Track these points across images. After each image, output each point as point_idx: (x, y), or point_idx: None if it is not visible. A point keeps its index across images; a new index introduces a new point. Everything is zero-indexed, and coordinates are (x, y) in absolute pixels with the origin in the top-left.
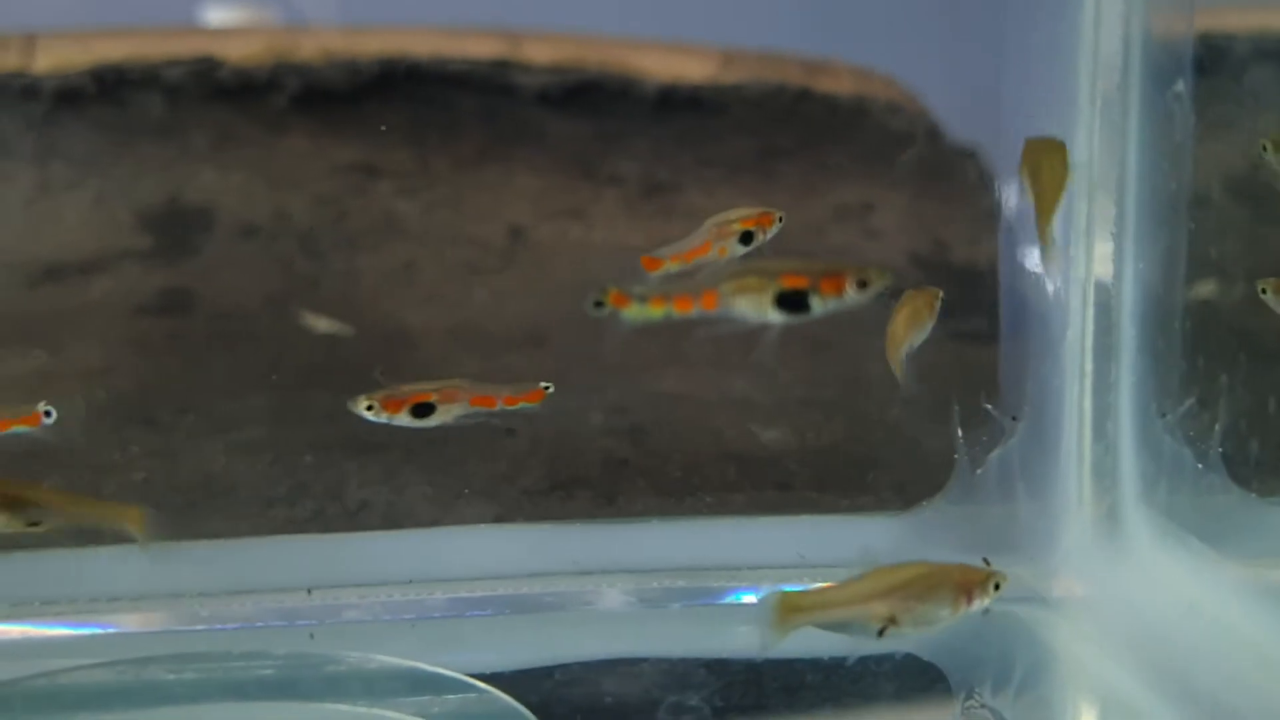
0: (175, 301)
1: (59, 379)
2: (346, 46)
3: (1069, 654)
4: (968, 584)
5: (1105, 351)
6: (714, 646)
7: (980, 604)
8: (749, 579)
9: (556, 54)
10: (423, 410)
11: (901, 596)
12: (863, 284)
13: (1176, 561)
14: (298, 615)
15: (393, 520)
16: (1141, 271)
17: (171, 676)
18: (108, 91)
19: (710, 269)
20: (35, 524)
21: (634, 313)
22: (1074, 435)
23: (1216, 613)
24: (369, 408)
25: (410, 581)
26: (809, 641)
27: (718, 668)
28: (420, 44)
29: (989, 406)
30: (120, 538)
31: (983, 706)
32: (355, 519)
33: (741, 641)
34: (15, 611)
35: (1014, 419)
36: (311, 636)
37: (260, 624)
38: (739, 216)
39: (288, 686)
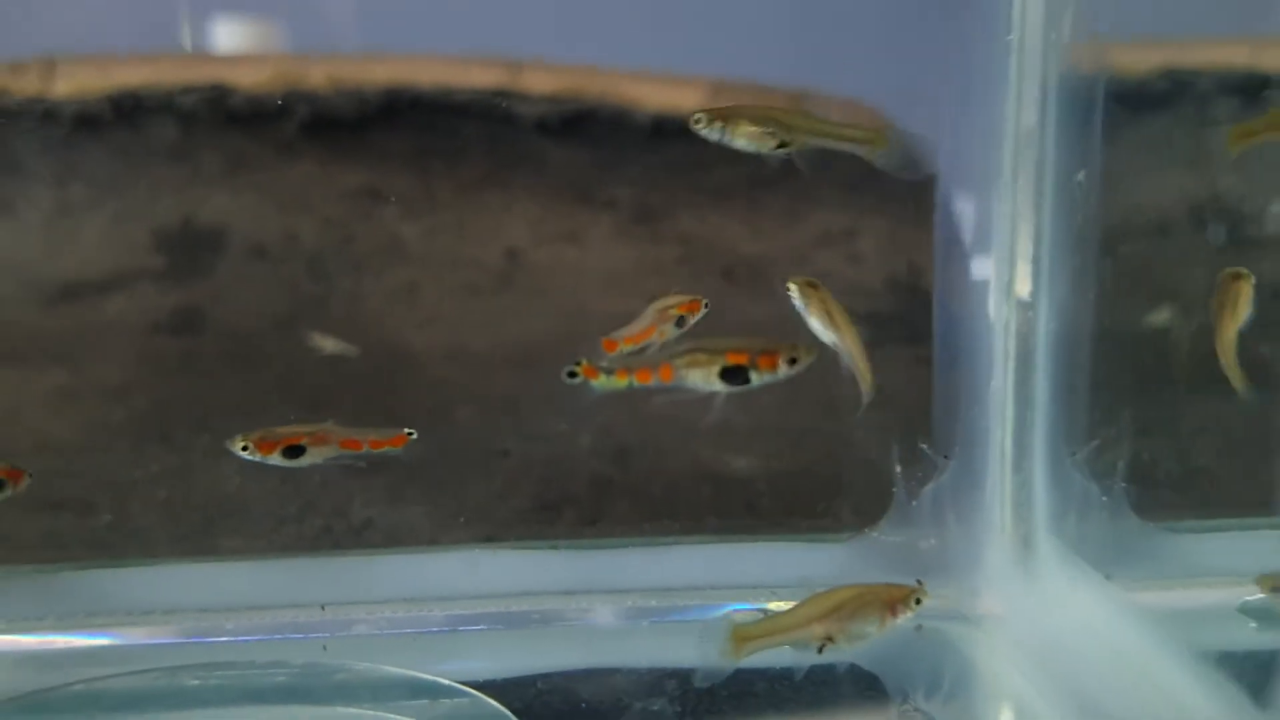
0: (188, 321)
1: (80, 397)
2: (354, 75)
3: (988, 666)
4: (892, 601)
5: (1024, 398)
6: (679, 659)
7: (904, 617)
8: (714, 598)
9: (555, 84)
10: (294, 452)
11: (836, 618)
12: (792, 361)
13: (1076, 586)
14: (312, 629)
15: (394, 537)
16: (1055, 323)
17: (199, 683)
18: (125, 116)
19: (665, 346)
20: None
21: (602, 383)
22: (997, 472)
23: (1105, 631)
24: (244, 448)
25: (411, 599)
26: (760, 655)
27: (681, 677)
28: (425, 73)
29: (924, 446)
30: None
31: (916, 710)
32: (360, 536)
33: (698, 656)
34: (60, 624)
35: (946, 457)
36: (324, 648)
37: (279, 636)
38: (675, 303)
39: (303, 693)
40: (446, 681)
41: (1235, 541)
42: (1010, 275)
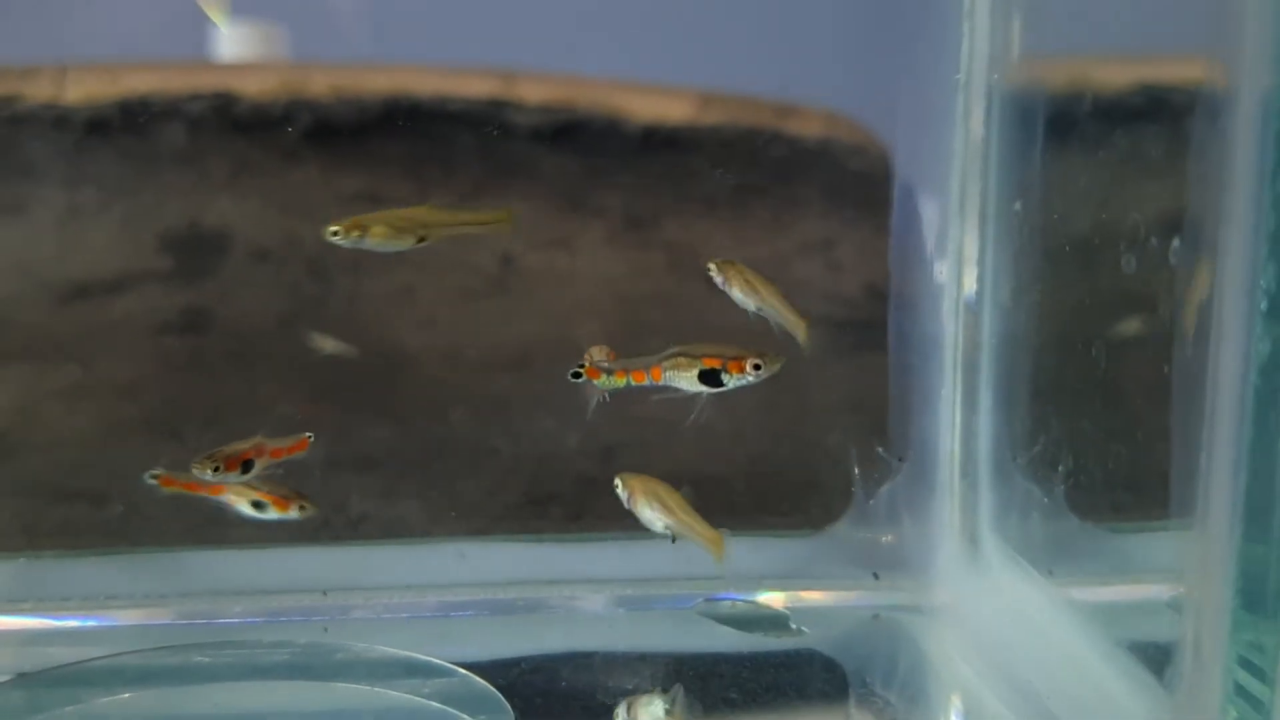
0: (194, 320)
1: (92, 393)
2: (354, 84)
3: (938, 653)
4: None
5: (970, 406)
6: (651, 643)
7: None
8: (688, 589)
9: (548, 94)
10: (247, 466)
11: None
12: (757, 366)
13: (1017, 581)
14: (314, 613)
15: (390, 530)
16: (996, 343)
17: (208, 660)
18: (134, 122)
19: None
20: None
21: (602, 382)
22: (946, 474)
23: (1044, 624)
24: (215, 469)
25: (407, 587)
26: (729, 640)
27: (651, 660)
28: (422, 83)
29: (880, 450)
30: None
31: (875, 695)
32: (357, 529)
33: (670, 641)
34: (84, 605)
35: (900, 460)
36: (325, 630)
37: (283, 619)
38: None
39: (305, 670)
40: (439, 661)
41: (1165, 540)
42: (958, 287)
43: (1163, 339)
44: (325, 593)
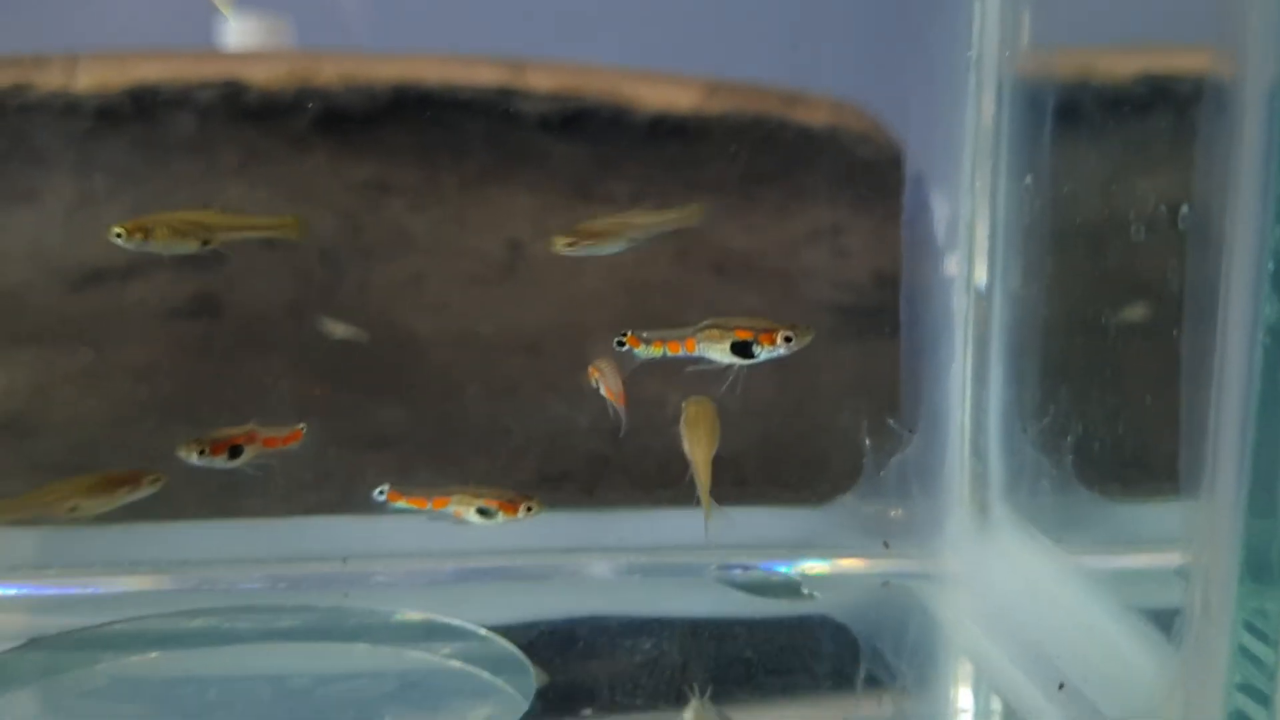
0: (205, 306)
1: (107, 376)
2: (363, 72)
3: (946, 618)
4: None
5: (981, 379)
6: (667, 609)
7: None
8: (700, 558)
9: (556, 82)
10: (235, 452)
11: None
12: (788, 338)
13: (1026, 550)
14: (335, 580)
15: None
16: (1009, 313)
17: (231, 624)
18: (144, 111)
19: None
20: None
21: (641, 351)
22: (956, 445)
23: (1051, 590)
24: (200, 452)
25: (427, 554)
26: (742, 606)
27: (667, 624)
28: (431, 71)
29: (891, 422)
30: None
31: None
32: (373, 505)
33: (684, 606)
34: (109, 569)
35: (910, 432)
36: (346, 596)
37: (305, 586)
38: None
39: (328, 632)
40: (460, 623)
41: (1171, 511)
42: (969, 268)
43: (1171, 311)
44: (345, 560)
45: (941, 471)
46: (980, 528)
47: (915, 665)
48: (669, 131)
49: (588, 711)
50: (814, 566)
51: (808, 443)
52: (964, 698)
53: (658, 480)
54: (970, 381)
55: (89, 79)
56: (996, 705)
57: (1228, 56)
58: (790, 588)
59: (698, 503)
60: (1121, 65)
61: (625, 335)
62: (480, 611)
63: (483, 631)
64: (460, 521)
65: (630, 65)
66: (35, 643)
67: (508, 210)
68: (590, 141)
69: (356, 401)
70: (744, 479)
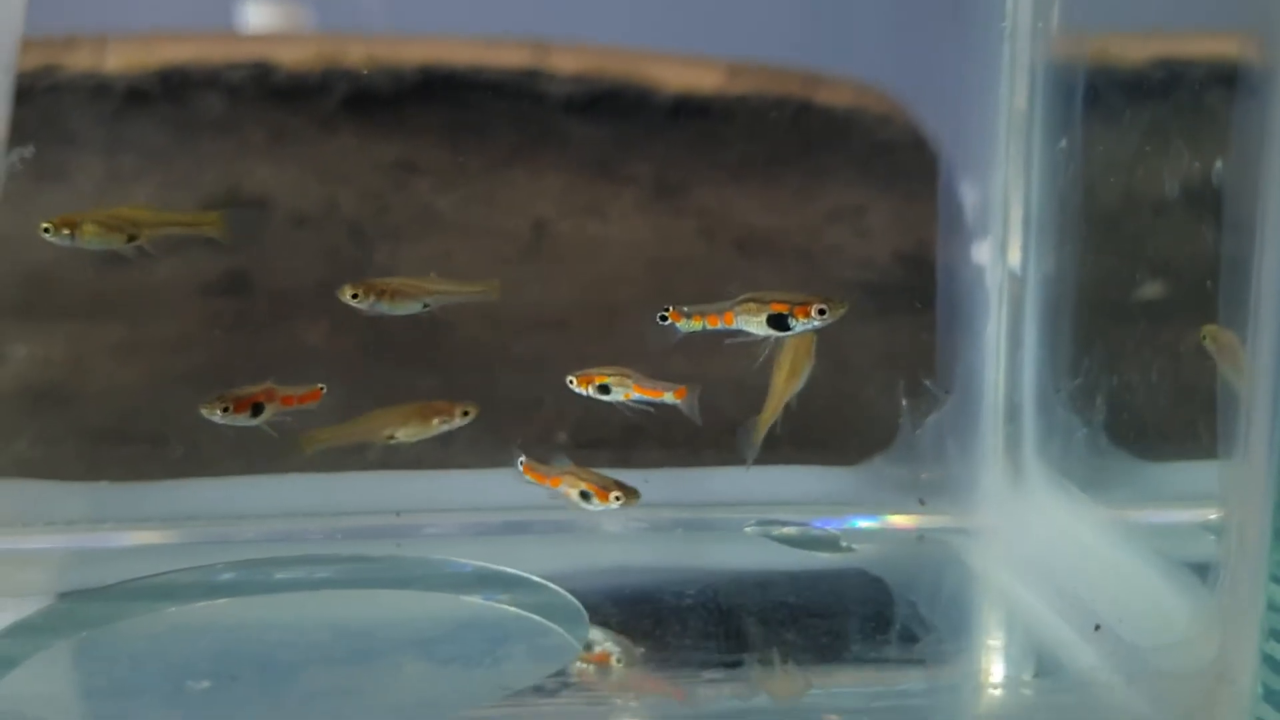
0: (236, 283)
1: (140, 351)
2: (390, 54)
3: (982, 568)
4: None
5: (1015, 341)
6: (710, 561)
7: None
8: (739, 513)
9: (581, 64)
10: (257, 410)
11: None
12: (822, 311)
13: (1060, 504)
14: (388, 532)
15: (448, 464)
16: (1042, 278)
17: (286, 575)
18: (173, 91)
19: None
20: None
21: (683, 325)
22: (991, 405)
23: (1085, 540)
24: (224, 410)
25: (475, 509)
26: (783, 557)
27: (710, 572)
28: (457, 53)
29: (927, 383)
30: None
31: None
32: (414, 468)
33: (726, 558)
34: (165, 524)
35: (946, 392)
36: (399, 546)
37: (359, 537)
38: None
39: (385, 581)
40: (514, 571)
41: (1195, 469)
42: (1004, 235)
43: (1200, 276)
44: (399, 513)
45: (976, 431)
46: (1014, 484)
47: (952, 612)
48: (692, 112)
49: (641, 651)
50: (852, 523)
51: (842, 409)
52: (1001, 639)
53: (688, 447)
54: (1005, 343)
55: (118, 60)
56: (1033, 645)
57: (1257, 41)
58: (829, 541)
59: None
60: (1149, 49)
61: (668, 310)
62: (531, 561)
63: (535, 579)
64: (571, 500)
65: (654, 46)
66: (100, 590)
67: (533, 190)
68: (614, 122)
69: (391, 372)
70: (783, 442)
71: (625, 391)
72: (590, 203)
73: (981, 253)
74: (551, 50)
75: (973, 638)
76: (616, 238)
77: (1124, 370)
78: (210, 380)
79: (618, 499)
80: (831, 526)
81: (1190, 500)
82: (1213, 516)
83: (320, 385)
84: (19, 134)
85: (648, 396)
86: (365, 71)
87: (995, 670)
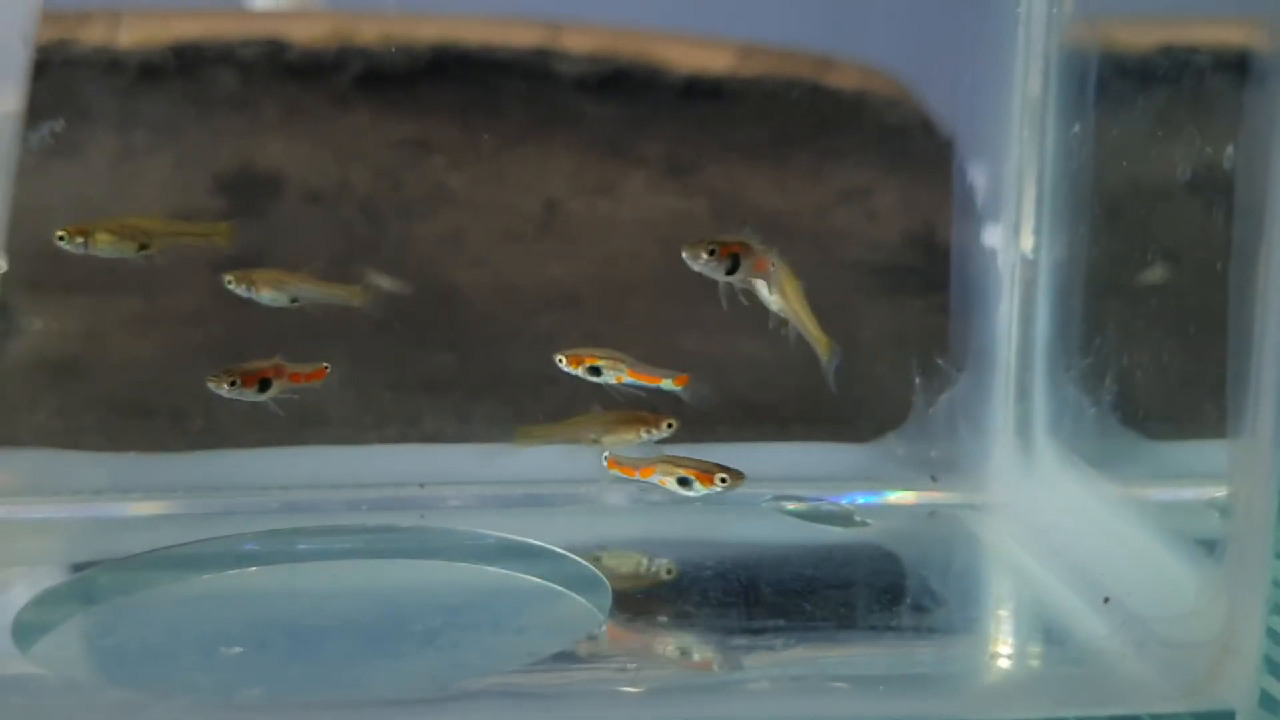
0: (250, 258)
1: (158, 323)
2: (404, 32)
3: (993, 543)
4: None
5: (1026, 321)
6: (726, 535)
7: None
8: (756, 488)
9: (593, 44)
10: (265, 385)
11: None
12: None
13: (1070, 480)
14: (412, 504)
15: (468, 438)
16: (1053, 261)
17: (311, 545)
18: (187, 67)
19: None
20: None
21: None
22: (1002, 384)
23: (1094, 515)
24: (232, 384)
25: (498, 481)
26: (798, 532)
27: (730, 545)
28: (470, 32)
29: (940, 361)
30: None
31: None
32: (441, 435)
33: (743, 532)
34: (192, 494)
35: (959, 371)
36: (422, 517)
37: (384, 508)
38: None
39: (412, 551)
40: (538, 543)
41: (1202, 448)
42: (1017, 219)
43: (1209, 261)
44: (423, 485)
45: (988, 408)
46: (1024, 461)
47: (964, 585)
48: (703, 93)
49: (663, 619)
50: (866, 498)
51: (855, 388)
52: (1011, 610)
53: (703, 423)
54: (1016, 323)
55: (132, 35)
56: (1043, 616)
57: (1266, 27)
58: (843, 516)
59: (760, 435)
60: (1161, 35)
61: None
62: (553, 533)
63: (558, 550)
64: (665, 490)
65: (666, 27)
66: (133, 559)
67: (544, 169)
68: (625, 102)
69: (405, 348)
70: (797, 420)
71: (617, 375)
72: (601, 182)
73: (994, 235)
74: (564, 30)
75: (984, 609)
76: (627, 217)
77: (1134, 351)
78: (225, 353)
79: (723, 481)
80: (846, 501)
81: (1198, 478)
82: (1219, 494)
83: (325, 364)
84: (33, 109)
85: (643, 382)
86: (391, 49)
87: (1005, 641)
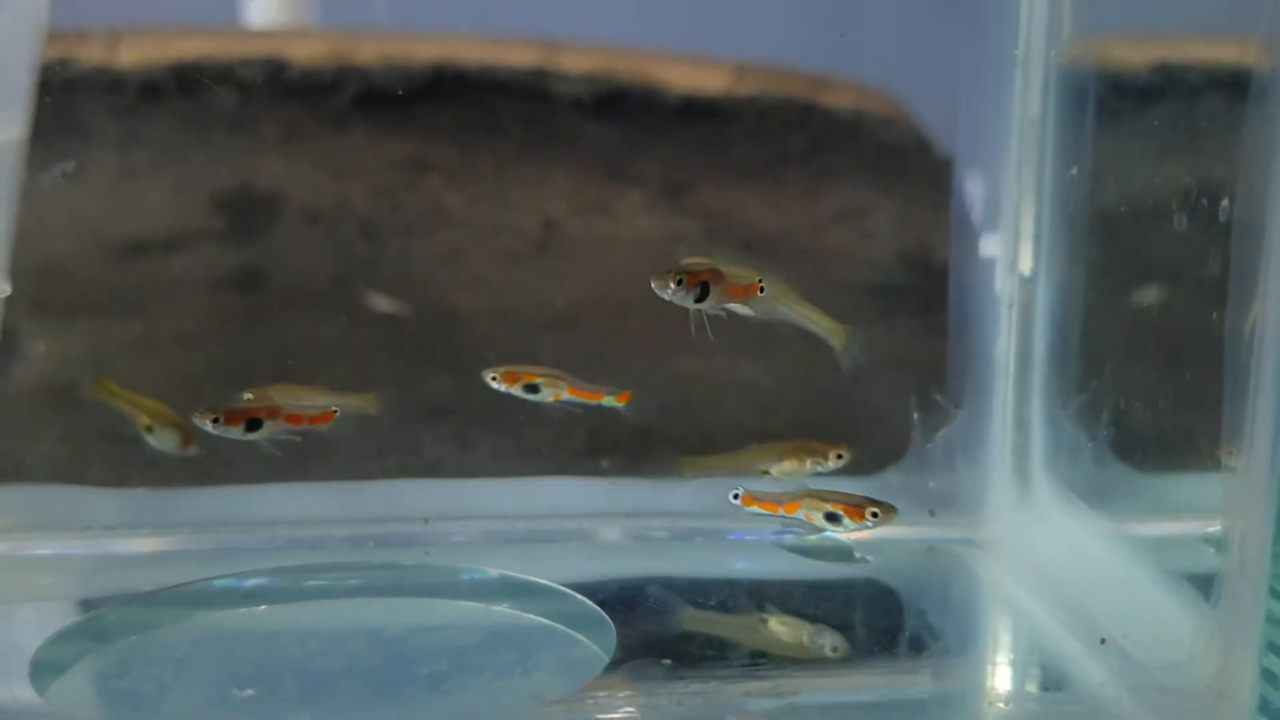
0: (250, 279)
1: (158, 346)
2: (401, 52)
3: (990, 580)
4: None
5: (1024, 358)
6: (723, 570)
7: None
8: (758, 521)
9: (590, 64)
10: (253, 425)
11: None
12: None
13: (1067, 516)
14: (417, 539)
15: (464, 474)
16: (1049, 301)
17: (316, 582)
18: (186, 87)
19: None
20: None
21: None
22: (1000, 419)
23: (1091, 553)
24: (215, 421)
25: (501, 517)
26: (797, 567)
27: (731, 584)
28: (467, 52)
29: (938, 397)
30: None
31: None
32: (434, 473)
33: (744, 567)
34: (198, 531)
35: (957, 407)
36: (427, 554)
37: (389, 544)
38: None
39: (415, 588)
40: (542, 581)
41: (1198, 483)
42: (1014, 251)
43: (1206, 296)
44: (427, 520)
45: (986, 444)
46: (1022, 497)
47: (960, 622)
48: (699, 113)
49: (668, 661)
50: (864, 533)
51: (857, 417)
52: (1007, 651)
53: (703, 450)
54: (1014, 359)
55: (131, 54)
56: (1039, 657)
57: (1264, 45)
58: (843, 552)
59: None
60: (1160, 55)
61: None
62: (556, 570)
63: (560, 588)
64: (812, 526)
65: (662, 48)
66: (143, 596)
67: (542, 189)
68: (622, 122)
69: (404, 372)
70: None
71: (556, 392)
72: (599, 202)
73: (992, 268)
74: (561, 50)
75: (981, 649)
76: (624, 237)
77: (1130, 387)
78: (227, 378)
79: (874, 515)
80: (843, 537)
81: (1192, 513)
82: (1215, 529)
83: (334, 408)
84: (34, 128)
85: (583, 399)
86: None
87: (1002, 683)
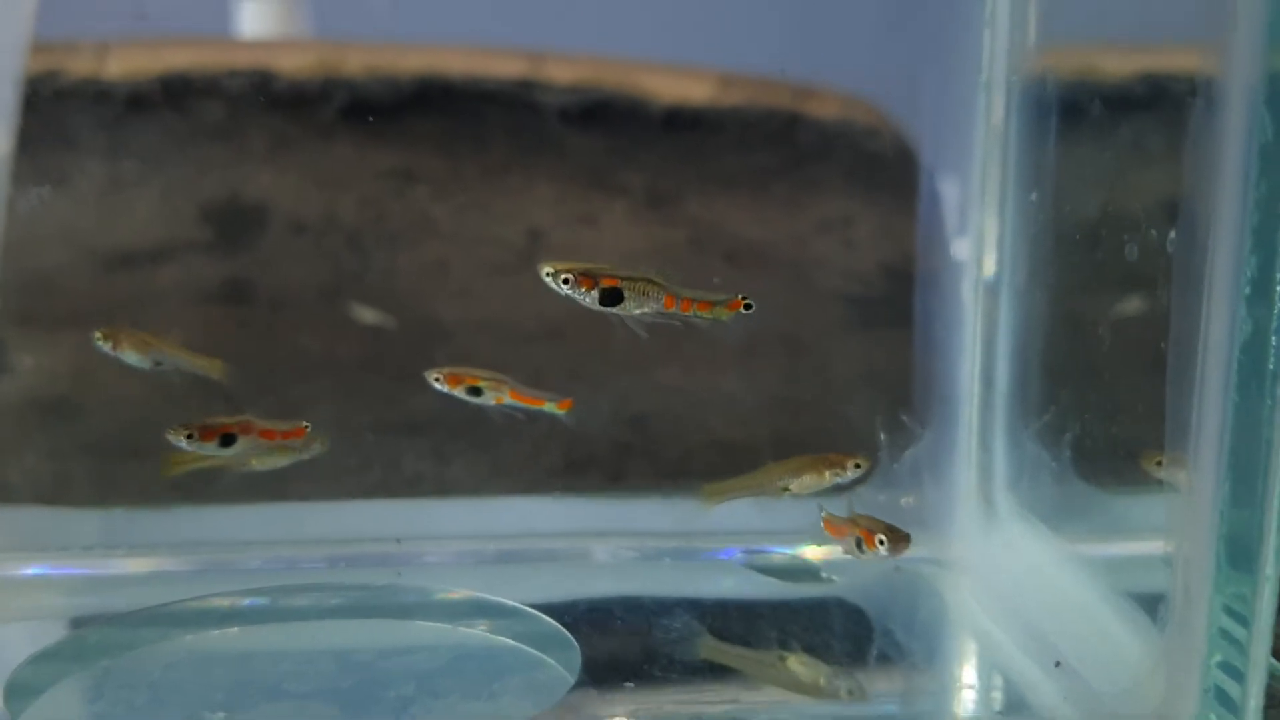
0: (237, 290)
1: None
2: (388, 63)
3: (955, 600)
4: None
5: (988, 380)
6: (694, 590)
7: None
8: (725, 541)
9: (575, 75)
10: (227, 440)
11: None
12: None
13: (1027, 538)
14: (389, 559)
15: (443, 489)
16: (1012, 323)
17: (291, 602)
18: (174, 98)
19: None
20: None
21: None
22: (965, 440)
23: (1049, 574)
24: (189, 437)
25: (473, 536)
26: (763, 587)
27: (697, 604)
28: (454, 62)
29: (904, 418)
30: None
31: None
32: (413, 488)
33: (711, 588)
34: (172, 552)
35: (922, 428)
36: (399, 574)
37: (361, 565)
38: None
39: (384, 610)
40: (509, 602)
41: (1158, 502)
42: (978, 270)
43: (1159, 320)
44: (399, 540)
45: (952, 464)
46: (986, 517)
47: (924, 643)
48: (684, 124)
49: (630, 684)
50: (830, 551)
51: (823, 433)
52: (969, 673)
53: (679, 467)
54: (978, 380)
55: (120, 66)
56: (998, 680)
57: (1215, 53)
58: (809, 571)
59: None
60: (1123, 64)
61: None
62: (524, 591)
63: (528, 610)
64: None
65: (647, 58)
66: (110, 619)
67: (528, 199)
68: (608, 132)
69: (388, 384)
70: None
71: (498, 396)
72: (584, 212)
73: (957, 288)
74: (547, 61)
75: (941, 671)
76: (609, 247)
77: (1091, 407)
78: (212, 389)
79: (881, 542)
80: (808, 556)
81: (1150, 532)
82: (1166, 550)
83: (305, 423)
84: (22, 139)
85: (526, 404)
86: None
87: (961, 706)
